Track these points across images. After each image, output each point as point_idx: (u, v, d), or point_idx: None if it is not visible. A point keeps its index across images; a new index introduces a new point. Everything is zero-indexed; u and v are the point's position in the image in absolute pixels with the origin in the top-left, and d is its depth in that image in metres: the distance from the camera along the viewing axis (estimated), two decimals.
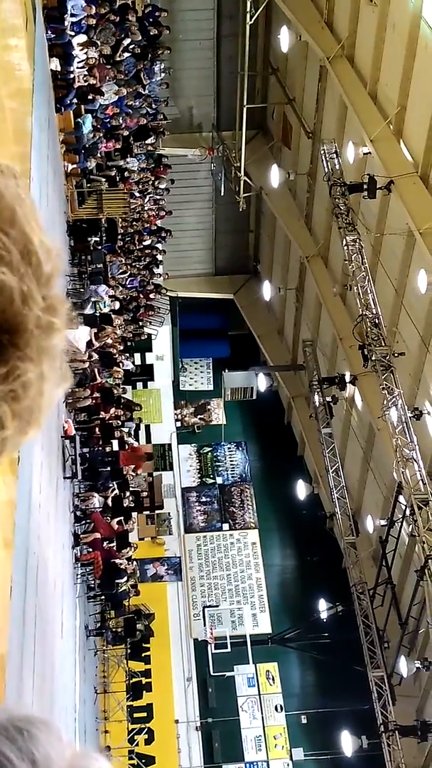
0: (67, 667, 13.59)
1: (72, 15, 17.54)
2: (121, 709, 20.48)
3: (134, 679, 20.82)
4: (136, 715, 21.15)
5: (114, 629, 19.62)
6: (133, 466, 20.48)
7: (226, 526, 25.85)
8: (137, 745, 21.09)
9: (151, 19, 21.21)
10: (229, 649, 22.54)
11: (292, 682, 23.21)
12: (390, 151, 17.58)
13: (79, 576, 16.41)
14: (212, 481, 26.95)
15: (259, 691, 22.40)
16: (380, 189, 17.50)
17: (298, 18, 20.58)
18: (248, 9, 21.42)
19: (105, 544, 17.05)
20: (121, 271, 23.24)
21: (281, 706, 22.34)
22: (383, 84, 18.02)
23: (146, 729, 21.33)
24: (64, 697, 12.92)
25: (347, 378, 21.41)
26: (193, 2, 23.57)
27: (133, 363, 26.37)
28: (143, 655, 21.25)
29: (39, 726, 1.02)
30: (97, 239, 21.04)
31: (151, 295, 26.24)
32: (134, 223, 23.54)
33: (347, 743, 20.33)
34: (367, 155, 18.46)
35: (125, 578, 18.07)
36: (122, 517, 18.31)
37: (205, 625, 23.29)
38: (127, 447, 20.76)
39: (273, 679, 22.70)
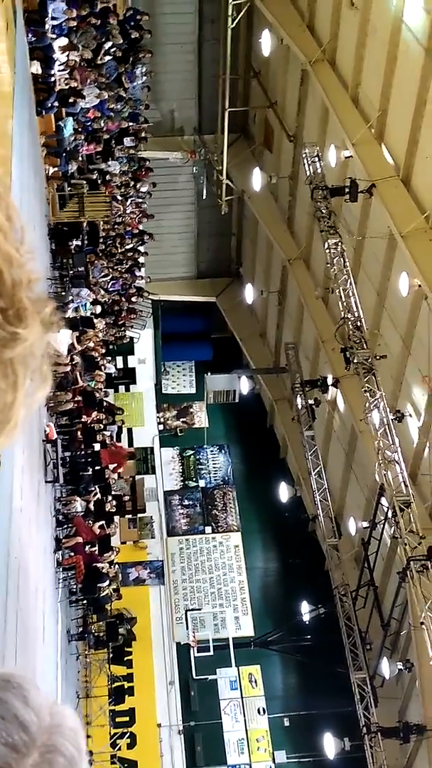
0: (48, 671, 13.53)
1: (53, 18, 17.48)
2: (103, 714, 20.40)
3: (116, 684, 20.74)
4: (118, 719, 21.07)
5: (96, 633, 19.55)
6: (115, 465, 20.43)
7: (208, 529, 25.83)
8: (119, 749, 21.01)
9: (132, 23, 21.20)
10: (211, 653, 22.52)
11: (274, 685, 23.21)
12: (371, 154, 17.66)
13: (60, 580, 16.34)
14: (195, 484, 26.93)
15: (242, 694, 22.38)
16: (362, 192, 17.58)
17: (280, 21, 20.65)
18: (230, 12, 21.47)
19: (87, 548, 16.99)
20: (103, 274, 23.18)
21: (264, 709, 22.33)
22: (365, 88, 18.11)
23: (128, 733, 21.25)
24: None
25: (329, 381, 21.47)
26: (175, 6, 23.60)
27: (115, 366, 26.31)
28: (125, 659, 21.20)
29: (21, 681, 1.14)
30: (79, 243, 20.98)
31: (133, 299, 26.19)
32: (116, 226, 23.49)
33: (330, 745, 20.36)
34: (349, 159, 18.54)
35: (107, 582, 18.00)
36: (104, 521, 18.24)
37: (187, 628, 23.26)
38: (109, 444, 20.67)
39: (255, 682, 22.69)
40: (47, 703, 1.15)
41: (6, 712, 1.09)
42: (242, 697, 22.32)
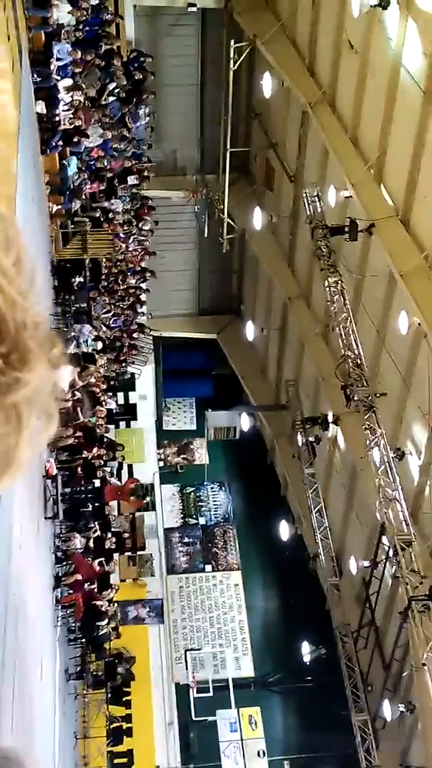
0: (46, 711, 13.36)
1: (58, 59, 17.80)
2: (101, 755, 20.10)
3: (115, 724, 20.47)
4: (116, 761, 20.75)
5: (94, 673, 19.34)
6: (116, 502, 20.33)
7: (208, 568, 25.65)
8: None
9: (136, 64, 21.56)
10: (211, 693, 22.25)
11: (275, 727, 22.88)
12: (371, 194, 17.84)
13: (59, 618, 16.20)
14: (195, 521, 26.79)
15: (242, 736, 22.07)
16: (361, 232, 17.73)
17: (281, 64, 20.98)
18: (231, 55, 21.81)
19: (86, 585, 16.87)
20: (104, 310, 23.32)
21: (264, 752, 21.99)
22: (364, 129, 18.34)
23: None
24: (43, 742, 12.68)
25: (330, 418, 21.47)
26: (177, 48, 24.00)
27: (117, 402, 26.32)
28: (124, 699, 20.96)
29: (21, 758, 1.15)
30: (81, 279, 21.13)
31: (135, 335, 26.30)
32: (118, 263, 23.68)
33: None
34: (349, 198, 18.72)
35: (106, 621, 17.85)
36: (104, 558, 18.13)
37: (187, 668, 23.00)
38: (110, 484, 20.63)
39: (255, 724, 22.38)
40: None
41: None
42: (242, 739, 22.00)
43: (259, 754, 21.97)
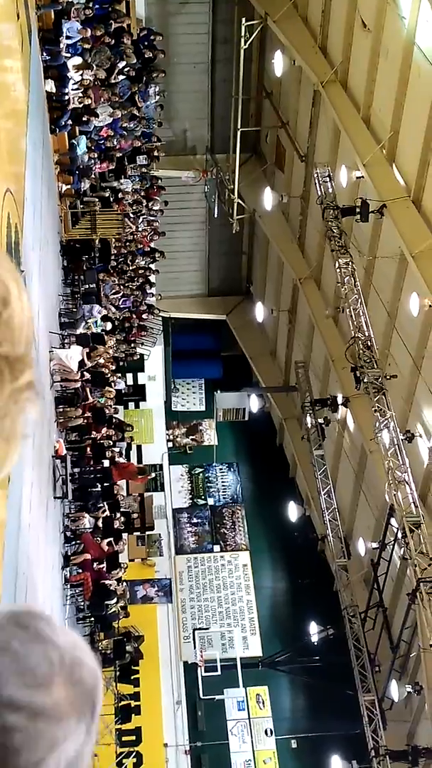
0: None
1: (67, 37, 17.68)
2: (109, 732, 20.25)
3: (123, 702, 20.61)
4: (124, 738, 20.92)
5: (103, 651, 19.45)
6: (125, 481, 20.37)
7: (217, 548, 25.73)
8: None
9: (146, 43, 21.39)
10: (219, 672, 22.36)
11: (282, 706, 23.02)
12: (382, 175, 17.71)
13: (68, 597, 16.29)
14: (203, 502, 26.86)
15: (249, 714, 22.19)
16: (373, 213, 17.61)
17: (293, 43, 20.78)
18: (243, 34, 21.63)
19: (95, 565, 16.95)
20: (114, 291, 23.28)
21: (271, 730, 22.14)
22: (376, 109, 18.19)
23: (135, 753, 21.08)
24: None
25: (339, 400, 21.43)
26: (188, 27, 23.81)
27: (126, 383, 26.33)
28: (132, 677, 21.05)
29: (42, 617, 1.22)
30: (91, 260, 21.08)
31: (144, 316, 26.27)
32: (127, 243, 23.61)
33: None
34: (360, 179, 18.59)
35: (115, 600, 17.95)
36: (112, 538, 18.20)
37: (195, 647, 23.12)
38: (117, 463, 20.67)
39: (263, 703, 22.51)
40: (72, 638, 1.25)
41: (41, 637, 1.19)
42: (249, 718, 22.13)
43: (266, 733, 22.12)
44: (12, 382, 1.21)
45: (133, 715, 20.96)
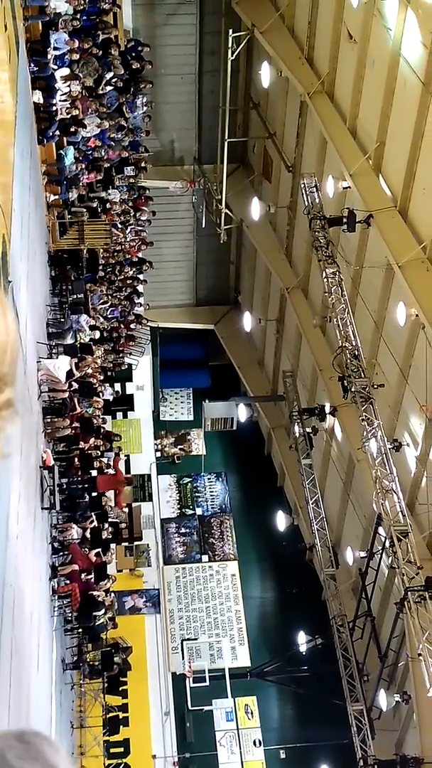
0: (42, 701, 13.39)
1: (55, 48, 17.72)
2: (97, 744, 20.17)
3: (111, 714, 20.53)
4: (112, 750, 20.84)
5: (91, 663, 19.38)
6: (112, 492, 20.31)
7: (205, 558, 25.70)
8: None
9: (133, 54, 21.46)
10: (207, 683, 22.31)
11: (270, 716, 22.97)
12: (369, 185, 17.79)
13: (56, 608, 16.22)
14: (192, 512, 26.83)
15: (238, 725, 22.15)
16: (359, 223, 17.69)
17: (279, 54, 20.90)
18: (230, 45, 21.72)
19: (83, 576, 16.89)
20: (102, 301, 23.28)
21: (260, 741, 22.09)
22: (363, 119, 18.29)
23: (123, 764, 21.00)
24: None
25: (327, 409, 21.47)
26: (175, 38, 23.90)
27: (113, 389, 26.23)
28: (120, 689, 21.00)
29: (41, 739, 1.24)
30: (78, 270, 21.08)
31: (132, 325, 26.27)
32: (115, 253, 23.63)
33: None
34: (347, 189, 18.67)
35: (103, 611, 17.88)
36: (100, 549, 18.15)
37: (183, 658, 23.06)
38: (105, 472, 20.62)
39: (251, 714, 22.46)
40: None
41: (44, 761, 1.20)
42: (238, 729, 22.09)
43: (255, 743, 22.07)
44: None
45: (121, 726, 20.90)
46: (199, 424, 27.58)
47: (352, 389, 17.34)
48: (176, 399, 30.00)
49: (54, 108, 18.03)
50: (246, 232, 26.41)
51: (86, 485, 18.66)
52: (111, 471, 20.65)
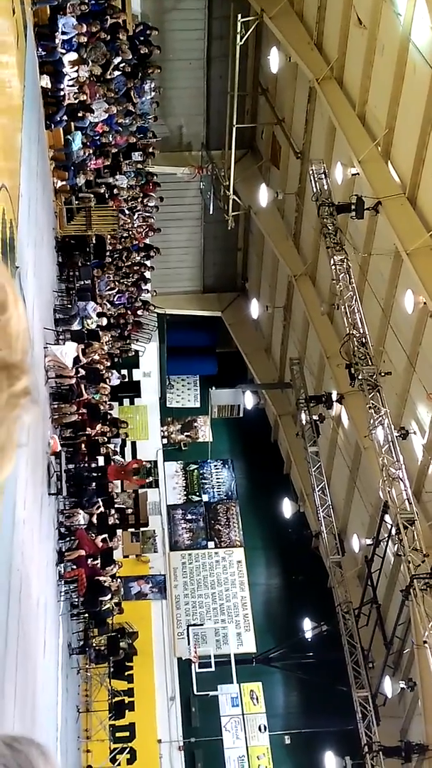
0: (49, 685, 13.47)
1: (63, 33, 17.63)
2: (103, 728, 20.29)
3: (117, 698, 20.63)
4: (118, 734, 20.95)
5: (97, 647, 19.46)
6: (120, 481, 20.37)
7: (211, 544, 25.75)
8: (119, 764, 20.87)
9: (141, 38, 21.34)
10: (213, 669, 22.39)
11: (276, 702, 23.07)
12: (378, 172, 17.70)
13: (62, 593, 16.29)
14: (198, 498, 26.88)
15: (243, 711, 22.25)
16: (368, 210, 17.60)
17: (288, 39, 20.75)
18: (238, 30, 21.58)
19: (89, 561, 16.95)
20: (109, 287, 23.24)
21: (265, 726, 22.19)
22: (372, 106, 18.17)
23: (128, 748, 21.12)
24: (46, 716, 12.80)
25: (334, 397, 21.44)
26: (184, 23, 23.76)
27: (120, 375, 26.18)
28: (126, 673, 21.08)
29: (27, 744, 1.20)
30: (86, 256, 21.04)
31: (139, 312, 26.24)
32: (123, 240, 23.57)
33: (331, 764, 20.19)
34: (355, 176, 18.58)
35: (109, 596, 17.95)
36: (107, 534, 18.21)
37: (189, 644, 23.15)
38: (113, 463, 20.68)
39: (257, 699, 22.56)
40: None
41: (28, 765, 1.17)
42: (243, 714, 22.19)
43: (260, 729, 22.17)
44: (9, 388, 1.22)
45: (126, 711, 21.00)
46: (206, 411, 27.57)
47: (359, 377, 17.31)
48: (183, 386, 30.01)
49: (62, 93, 17.96)
50: (254, 219, 26.32)
51: (93, 471, 18.71)
52: (119, 459, 20.68)
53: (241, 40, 21.81)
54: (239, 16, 21.55)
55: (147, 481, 24.29)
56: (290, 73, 22.04)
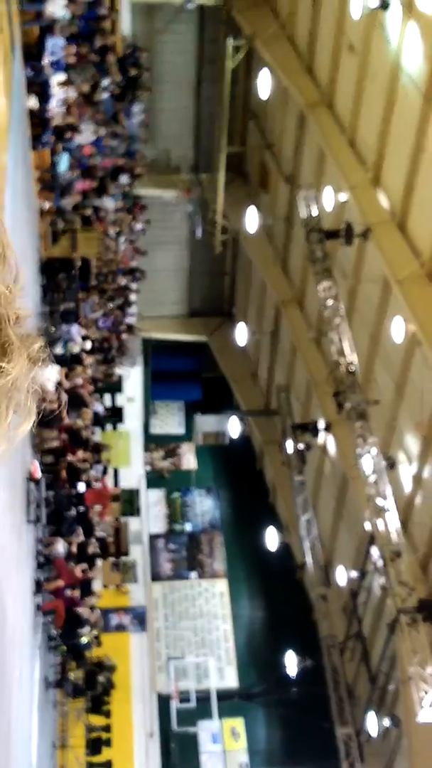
0: (24, 719, 13.00)
1: (51, 53, 17.42)
2: (79, 765, 19.72)
3: (94, 734, 20.10)
4: None
5: (74, 681, 18.94)
6: (99, 506, 19.91)
7: (194, 575, 25.25)
8: None
9: (131, 60, 21.20)
10: (193, 704, 21.87)
11: (257, 739, 22.52)
12: (367, 198, 17.54)
13: (40, 625, 15.80)
14: (181, 527, 26.40)
15: (224, 747, 21.69)
16: (357, 236, 17.42)
17: (279, 64, 20.66)
18: (229, 54, 21.49)
19: (68, 592, 16.47)
20: (93, 310, 22.91)
21: (246, 764, 21.63)
22: (362, 131, 18.05)
23: None
24: (20, 751, 12.33)
25: (321, 425, 21.14)
26: (174, 45, 23.67)
27: (103, 405, 25.83)
28: (104, 708, 20.55)
29: None
30: (70, 278, 20.73)
31: (124, 336, 25.91)
32: (108, 262, 23.29)
33: None
34: (345, 202, 18.41)
35: (88, 628, 17.45)
36: (87, 564, 17.74)
37: (169, 678, 22.59)
38: (92, 486, 20.24)
39: (238, 736, 22.00)
40: None
41: None
42: (224, 751, 21.62)
43: (240, 767, 21.60)
44: (27, 348, 1.24)
45: (103, 747, 20.46)
46: (190, 438, 27.20)
47: (347, 405, 17.02)
48: (167, 412, 29.63)
49: (49, 113, 17.72)
50: (242, 243, 26.13)
51: (74, 499, 18.27)
52: (98, 485, 20.26)
53: (232, 64, 21.71)
54: (230, 39, 21.48)
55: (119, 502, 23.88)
56: (281, 97, 21.94)
